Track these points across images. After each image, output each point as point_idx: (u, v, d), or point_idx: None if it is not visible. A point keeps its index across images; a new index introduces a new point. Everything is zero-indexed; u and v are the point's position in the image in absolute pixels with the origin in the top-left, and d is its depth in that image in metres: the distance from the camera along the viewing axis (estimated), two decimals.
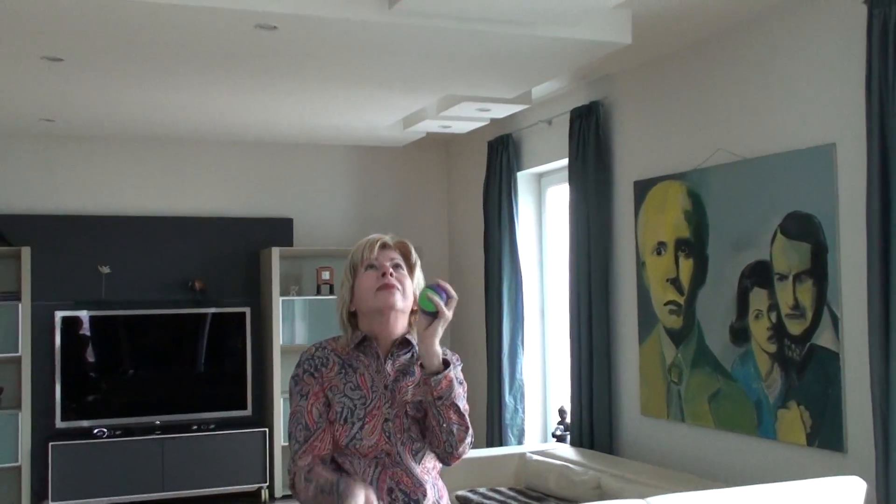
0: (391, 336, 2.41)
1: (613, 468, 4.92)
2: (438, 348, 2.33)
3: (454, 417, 2.32)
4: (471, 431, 2.37)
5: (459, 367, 2.46)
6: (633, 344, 5.40)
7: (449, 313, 2.33)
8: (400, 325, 2.42)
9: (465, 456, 2.40)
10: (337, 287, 7.30)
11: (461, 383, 2.40)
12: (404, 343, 2.42)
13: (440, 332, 2.33)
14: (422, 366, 2.34)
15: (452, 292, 2.35)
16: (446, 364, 2.33)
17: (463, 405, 2.34)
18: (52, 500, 6.54)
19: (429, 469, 2.39)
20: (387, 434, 2.33)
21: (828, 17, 4.12)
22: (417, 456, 2.36)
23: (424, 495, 2.34)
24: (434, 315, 2.31)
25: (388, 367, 2.39)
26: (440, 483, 2.44)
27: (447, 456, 2.37)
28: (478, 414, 7.00)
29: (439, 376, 2.30)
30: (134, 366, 7.21)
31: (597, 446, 5.54)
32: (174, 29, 4.19)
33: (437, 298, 2.31)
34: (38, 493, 6.65)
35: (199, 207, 7.39)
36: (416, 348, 2.43)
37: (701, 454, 4.86)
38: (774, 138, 4.41)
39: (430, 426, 2.35)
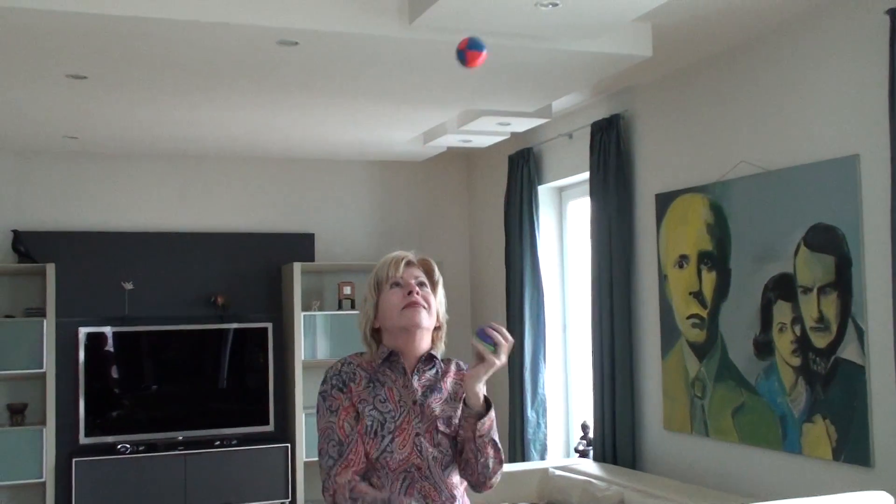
0: (416, 352, 2.43)
1: (637, 483, 4.89)
2: (481, 391, 2.35)
3: (491, 452, 2.37)
4: (503, 463, 2.41)
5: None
6: (655, 358, 5.37)
7: (497, 360, 2.33)
8: (425, 341, 2.45)
9: (494, 486, 2.43)
10: (359, 302, 7.34)
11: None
12: (429, 359, 2.45)
13: (483, 376, 2.35)
14: (465, 403, 2.37)
15: (500, 338, 2.34)
16: (488, 404, 2.36)
17: (497, 438, 2.39)
18: None
19: (456, 484, 2.41)
20: (418, 448, 2.34)
21: (849, 27, 4.09)
22: (446, 471, 2.38)
23: None
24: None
25: (415, 382, 2.40)
26: (467, 499, 2.45)
27: (479, 485, 2.42)
28: (500, 429, 6.97)
29: (484, 419, 2.34)
30: (157, 381, 7.24)
31: (620, 461, 5.50)
32: (196, 46, 4.22)
33: (481, 346, 2.33)
34: None
35: (221, 223, 7.43)
36: (441, 364, 2.46)
37: (725, 469, 4.82)
38: (797, 150, 4.39)
39: (466, 458, 2.38)
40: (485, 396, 2.36)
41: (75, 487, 6.58)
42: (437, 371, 2.45)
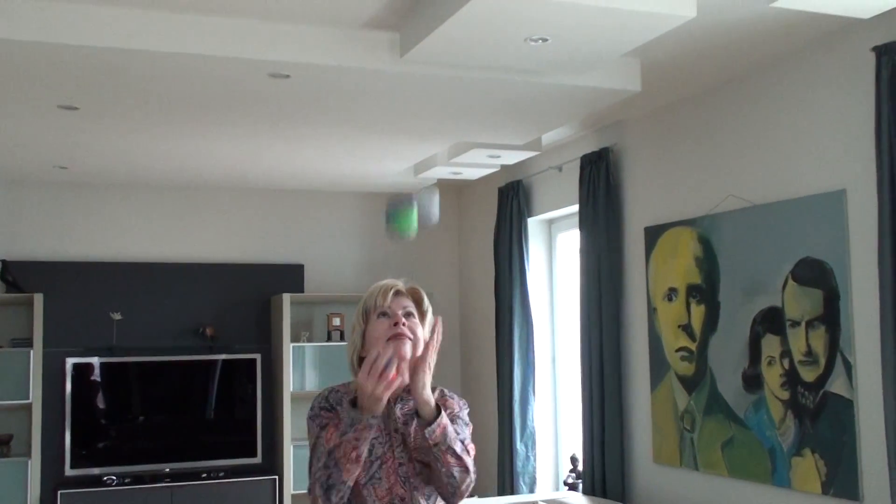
0: (401, 382, 2.42)
1: None
2: (428, 396, 2.33)
3: (452, 461, 2.32)
4: (472, 472, 2.37)
5: (465, 411, 2.48)
6: (644, 391, 5.37)
7: (421, 354, 2.34)
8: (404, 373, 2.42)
9: (466, 495, 2.41)
10: (348, 333, 7.33)
11: (467, 424, 2.44)
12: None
13: (424, 379, 2.33)
14: (417, 415, 2.34)
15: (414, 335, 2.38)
16: (440, 410, 2.34)
17: (460, 447, 2.35)
18: None
19: None
20: (402, 478, 2.34)
21: (837, 64, 4.14)
22: (430, 499, 2.37)
23: None
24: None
25: (398, 410, 2.40)
26: None
27: (450, 496, 2.39)
28: (489, 461, 6.95)
29: (433, 425, 2.30)
30: (144, 412, 7.20)
31: (609, 494, 5.48)
32: (188, 78, 4.24)
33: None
34: None
35: (210, 254, 7.42)
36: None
37: (714, 503, 4.81)
38: (785, 184, 4.42)
39: (431, 470, 2.36)
40: (437, 403, 2.34)
41: None
42: None
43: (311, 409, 2.43)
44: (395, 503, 2.33)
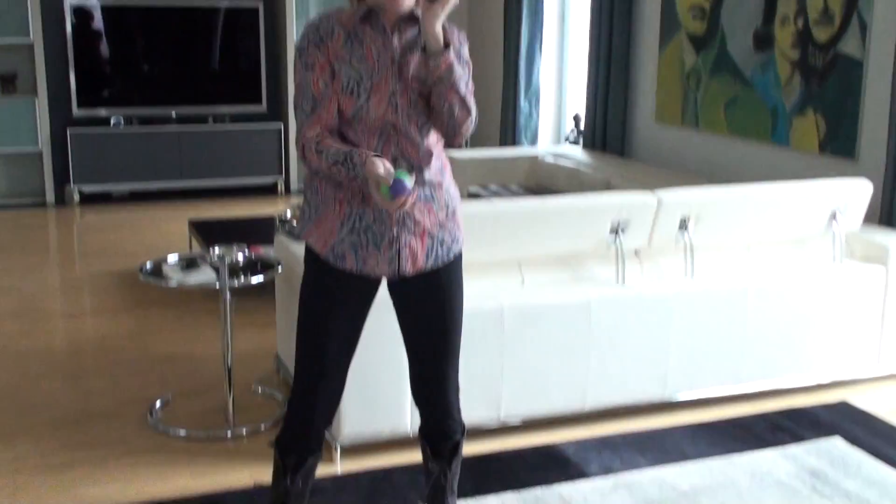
0: (398, 10, 2.34)
1: (624, 170, 5.01)
2: (439, 30, 2.28)
3: (455, 99, 2.32)
4: (473, 113, 2.37)
5: (465, 47, 2.43)
6: (652, 50, 5.32)
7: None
8: (407, 1, 2.36)
9: (467, 135, 2.42)
10: None
11: (467, 63, 2.40)
12: (412, 19, 2.36)
13: (441, 14, 2.27)
14: (424, 47, 2.31)
15: None
16: (448, 47, 2.30)
17: (464, 87, 2.33)
18: (74, 184, 6.75)
19: (433, 142, 2.42)
20: (393, 106, 2.34)
21: None
22: (423, 129, 2.39)
23: (428, 164, 2.39)
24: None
25: (395, 40, 2.37)
26: (444, 157, 2.47)
27: (450, 137, 2.40)
28: (492, 115, 7.03)
29: (437, 59, 2.28)
30: (148, 59, 7.16)
31: (609, 150, 5.59)
32: None
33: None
34: (60, 178, 6.83)
35: None
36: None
37: (713, 159, 4.92)
38: None
39: (433, 107, 2.35)
40: (446, 41, 2.30)
41: (72, 157, 6.71)
42: (419, 30, 2.39)
43: (302, 38, 2.36)
44: (387, 129, 2.35)
